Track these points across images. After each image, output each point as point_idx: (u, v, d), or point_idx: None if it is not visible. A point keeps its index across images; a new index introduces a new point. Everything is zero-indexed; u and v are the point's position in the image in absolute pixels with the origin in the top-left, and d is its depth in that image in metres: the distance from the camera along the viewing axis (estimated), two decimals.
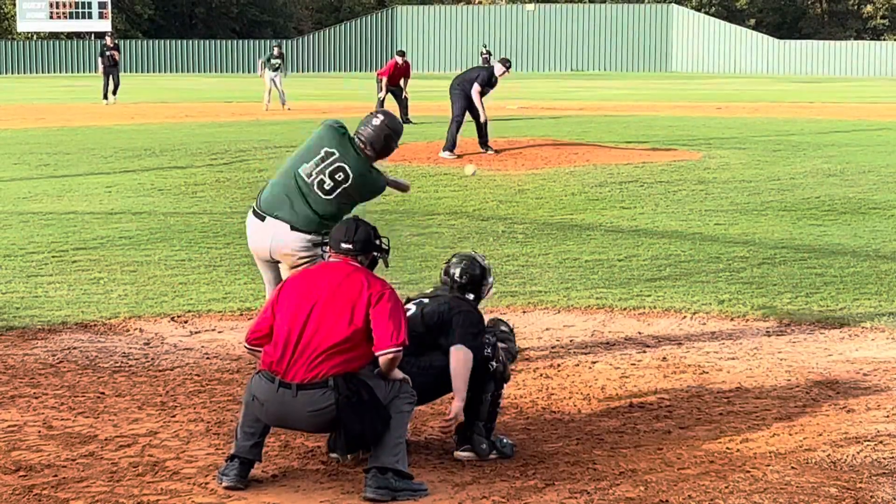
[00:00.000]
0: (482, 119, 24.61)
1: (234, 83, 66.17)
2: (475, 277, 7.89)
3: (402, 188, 9.64)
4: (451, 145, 24.56)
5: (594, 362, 9.60)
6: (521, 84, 58.11)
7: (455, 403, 7.26)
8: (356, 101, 46.08)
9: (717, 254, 14.31)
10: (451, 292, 7.83)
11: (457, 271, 7.90)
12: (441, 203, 18.49)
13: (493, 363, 7.57)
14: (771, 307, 11.49)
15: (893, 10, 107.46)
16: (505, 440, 7.55)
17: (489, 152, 24.45)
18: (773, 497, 6.69)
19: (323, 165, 8.72)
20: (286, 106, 41.00)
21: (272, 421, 6.87)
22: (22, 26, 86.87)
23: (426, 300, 7.73)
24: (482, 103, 24.61)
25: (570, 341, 10.26)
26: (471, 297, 7.85)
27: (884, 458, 7.30)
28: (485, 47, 55.55)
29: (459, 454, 7.48)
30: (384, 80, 35.23)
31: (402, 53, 36.67)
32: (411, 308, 7.62)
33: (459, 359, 7.35)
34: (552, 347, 10.01)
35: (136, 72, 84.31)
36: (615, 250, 14.48)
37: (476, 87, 24.61)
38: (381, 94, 35.30)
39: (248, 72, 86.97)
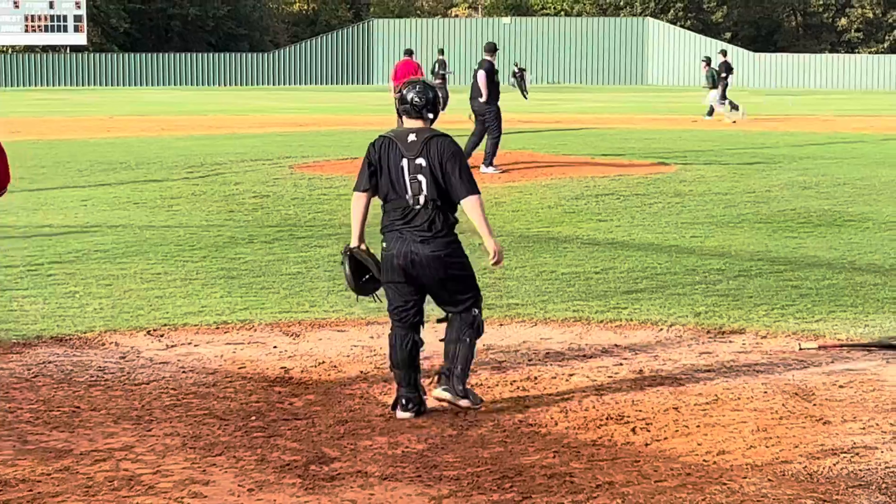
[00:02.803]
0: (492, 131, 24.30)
1: (210, 96, 66.11)
2: (430, 97, 8.55)
3: None
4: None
5: (571, 375, 9.60)
6: None
7: (491, 244, 8.51)
8: (334, 115, 46.14)
9: (693, 266, 14.34)
10: (412, 117, 8.51)
11: (412, 95, 8.51)
12: None
13: (475, 310, 8.54)
14: (747, 319, 11.51)
15: (867, 24, 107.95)
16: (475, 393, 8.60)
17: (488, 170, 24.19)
18: None
19: None
20: None
21: None
22: None
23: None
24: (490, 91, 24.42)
25: (547, 354, 10.26)
26: (431, 116, 8.58)
27: (860, 470, 7.32)
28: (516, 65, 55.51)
29: (439, 394, 8.41)
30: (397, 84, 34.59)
31: (409, 52, 36.06)
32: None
33: (476, 207, 8.39)
34: (529, 360, 10.01)
35: (112, 85, 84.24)
36: (592, 263, 14.50)
37: (482, 76, 24.37)
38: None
39: (225, 85, 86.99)
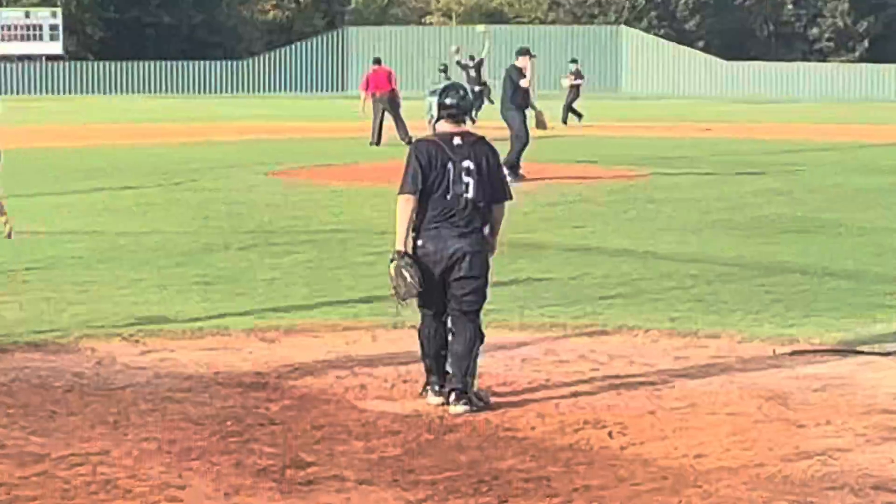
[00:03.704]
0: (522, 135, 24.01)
1: (185, 104, 65.99)
2: (470, 102, 9.17)
3: None
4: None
5: (547, 380, 9.60)
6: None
7: (496, 244, 9.09)
8: (309, 122, 46.09)
9: (668, 272, 14.35)
10: (454, 122, 8.84)
11: (455, 101, 8.86)
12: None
13: (479, 318, 8.94)
14: (722, 324, 11.53)
15: (839, 33, 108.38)
16: (483, 392, 8.86)
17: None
18: None
19: None
20: None
21: None
22: None
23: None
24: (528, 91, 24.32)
25: (524, 359, 10.25)
26: (468, 121, 9.06)
27: (834, 473, 7.34)
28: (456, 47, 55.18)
29: (456, 409, 8.60)
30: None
31: (377, 61, 35.79)
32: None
33: (504, 210, 9.00)
34: (506, 365, 10.00)
35: (88, 93, 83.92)
36: (567, 269, 14.50)
37: (523, 83, 24.06)
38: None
39: (199, 92, 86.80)
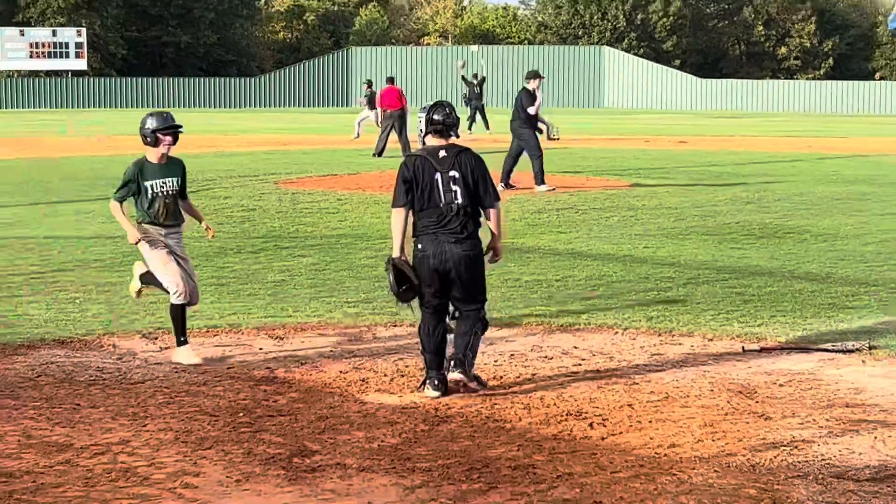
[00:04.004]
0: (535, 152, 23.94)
1: (200, 118, 65.92)
2: (455, 118, 9.06)
3: None
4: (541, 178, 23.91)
5: (533, 374, 9.61)
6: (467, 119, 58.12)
7: (500, 246, 9.17)
8: (316, 135, 46.09)
9: (646, 274, 14.36)
10: (439, 136, 8.95)
11: (440, 117, 8.96)
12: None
13: (483, 310, 9.02)
14: (695, 323, 11.53)
15: (805, 52, 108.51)
16: (482, 378, 9.09)
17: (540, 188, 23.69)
18: (697, 498, 6.72)
19: None
20: None
21: None
22: (3, 65, 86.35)
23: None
24: (538, 120, 24.31)
25: (512, 355, 10.26)
26: (453, 135, 9.07)
27: (798, 462, 7.34)
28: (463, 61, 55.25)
29: (454, 375, 8.82)
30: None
31: (391, 80, 35.78)
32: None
33: (498, 213, 8.99)
34: (495, 361, 10.00)
35: (111, 107, 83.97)
36: (553, 271, 14.51)
37: (530, 110, 23.97)
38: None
39: (214, 107, 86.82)
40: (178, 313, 10.04)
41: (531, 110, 24.03)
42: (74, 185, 25.22)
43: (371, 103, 40.58)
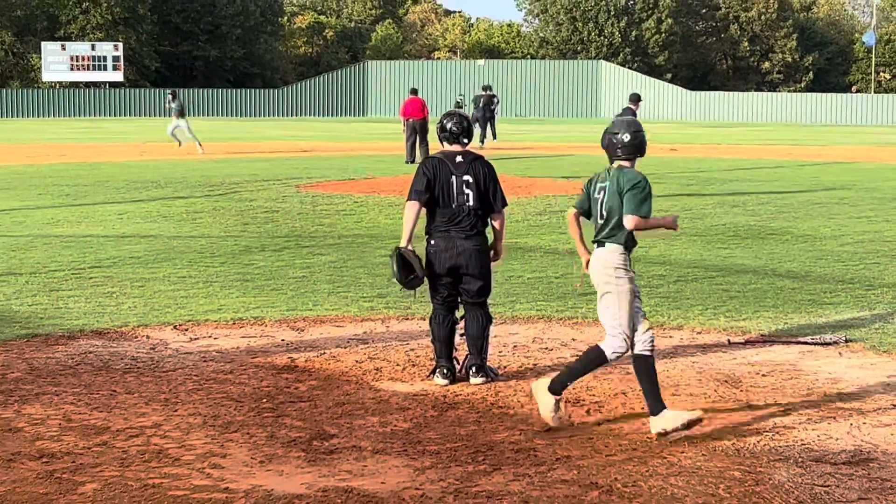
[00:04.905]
0: None
1: (227, 126, 66.03)
2: (465, 126, 9.14)
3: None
4: None
5: (535, 364, 9.60)
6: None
7: (503, 247, 9.23)
8: (334, 142, 46.08)
9: (638, 272, 14.26)
10: (454, 142, 9.04)
11: (451, 125, 9.08)
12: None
13: (487, 305, 9.12)
14: (685, 318, 11.52)
15: (787, 67, 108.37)
16: (494, 368, 9.16)
17: None
18: (686, 479, 6.71)
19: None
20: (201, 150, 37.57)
21: None
22: (46, 76, 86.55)
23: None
24: None
25: (515, 346, 10.26)
26: (466, 140, 9.16)
27: (780, 447, 7.33)
28: (461, 97, 55.22)
29: (475, 380, 8.85)
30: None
31: (414, 91, 35.45)
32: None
33: (503, 217, 9.16)
34: (499, 352, 10.00)
35: (144, 116, 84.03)
36: (553, 269, 14.50)
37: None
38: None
39: (240, 116, 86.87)
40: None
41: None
42: (110, 188, 25.23)
43: (181, 112, 38.65)
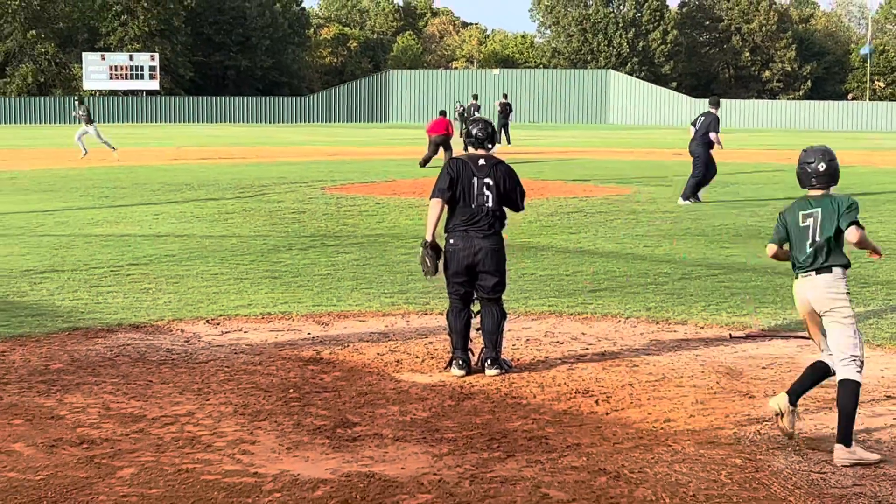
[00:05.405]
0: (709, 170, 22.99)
1: (257, 132, 66.13)
2: (489, 132, 9.17)
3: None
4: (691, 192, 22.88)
5: (546, 357, 9.60)
6: None
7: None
8: (357, 147, 46.08)
9: (645, 270, 14.32)
10: (478, 147, 9.08)
11: (476, 131, 9.11)
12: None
13: (502, 301, 9.10)
14: (689, 313, 11.50)
15: (787, 75, 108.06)
16: (508, 360, 9.17)
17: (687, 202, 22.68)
18: (689, 466, 6.71)
19: None
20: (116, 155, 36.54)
21: None
22: (87, 85, 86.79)
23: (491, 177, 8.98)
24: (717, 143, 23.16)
25: (527, 340, 10.25)
26: (490, 146, 9.18)
27: (778, 436, 7.31)
28: (475, 98, 55.28)
29: (491, 372, 8.86)
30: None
31: (443, 113, 35.57)
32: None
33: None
34: (513, 346, 9.99)
35: (179, 122, 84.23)
36: (564, 267, 14.48)
37: (718, 136, 23.12)
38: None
39: (269, 122, 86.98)
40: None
41: (713, 136, 23.06)
42: (146, 190, 25.30)
43: (89, 119, 37.39)
